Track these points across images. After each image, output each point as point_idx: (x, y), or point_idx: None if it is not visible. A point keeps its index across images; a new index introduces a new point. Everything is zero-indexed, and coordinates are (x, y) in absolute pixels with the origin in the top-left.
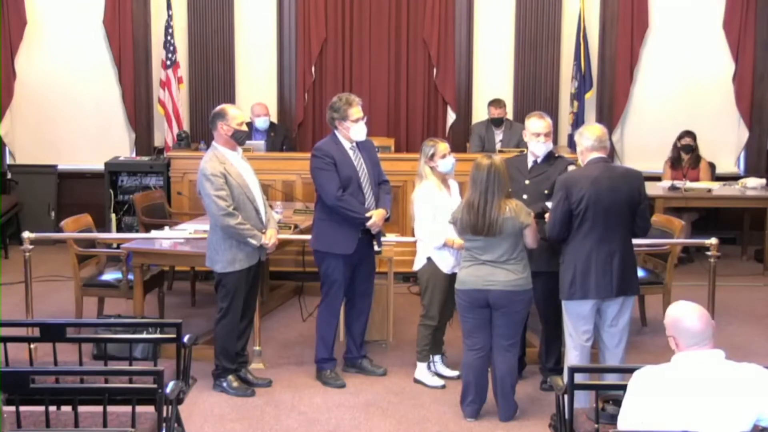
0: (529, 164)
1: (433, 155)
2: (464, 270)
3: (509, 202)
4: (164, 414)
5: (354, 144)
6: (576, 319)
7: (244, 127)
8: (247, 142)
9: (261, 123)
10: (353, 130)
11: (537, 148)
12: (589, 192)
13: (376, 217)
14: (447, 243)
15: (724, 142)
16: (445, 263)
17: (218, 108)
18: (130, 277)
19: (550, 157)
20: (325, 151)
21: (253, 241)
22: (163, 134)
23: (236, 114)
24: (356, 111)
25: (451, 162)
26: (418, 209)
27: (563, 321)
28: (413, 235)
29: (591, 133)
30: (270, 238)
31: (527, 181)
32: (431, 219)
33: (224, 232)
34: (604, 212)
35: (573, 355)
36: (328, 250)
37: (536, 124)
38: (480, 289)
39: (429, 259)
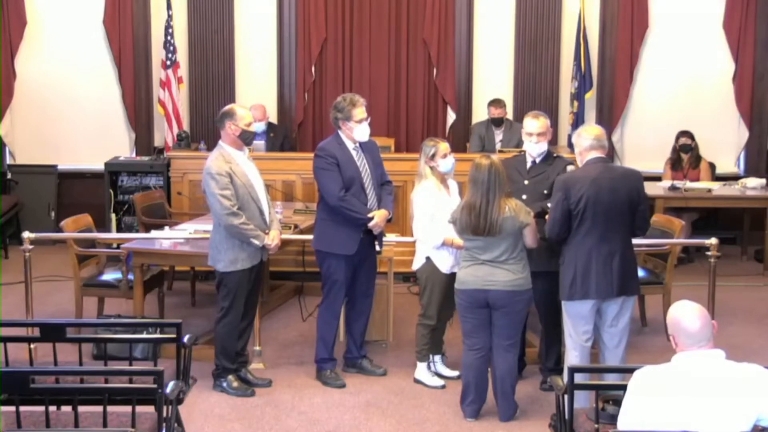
0: (528, 164)
1: (433, 155)
2: (464, 270)
3: (509, 201)
4: (164, 414)
5: (357, 144)
6: (576, 320)
7: (253, 128)
8: None
9: (257, 128)
10: (357, 130)
11: (531, 149)
12: (588, 192)
13: (377, 217)
14: (446, 242)
15: (724, 142)
16: (444, 263)
17: (227, 107)
18: (130, 277)
19: (549, 157)
20: (328, 151)
21: (256, 242)
22: (163, 134)
23: (245, 114)
24: (360, 111)
25: (452, 162)
26: (418, 209)
27: (563, 321)
28: (413, 235)
29: (588, 133)
30: (273, 239)
31: (526, 182)
32: (430, 218)
33: (227, 232)
34: (604, 212)
35: (573, 355)
36: (330, 251)
37: (529, 124)
38: (479, 289)
39: (428, 258)
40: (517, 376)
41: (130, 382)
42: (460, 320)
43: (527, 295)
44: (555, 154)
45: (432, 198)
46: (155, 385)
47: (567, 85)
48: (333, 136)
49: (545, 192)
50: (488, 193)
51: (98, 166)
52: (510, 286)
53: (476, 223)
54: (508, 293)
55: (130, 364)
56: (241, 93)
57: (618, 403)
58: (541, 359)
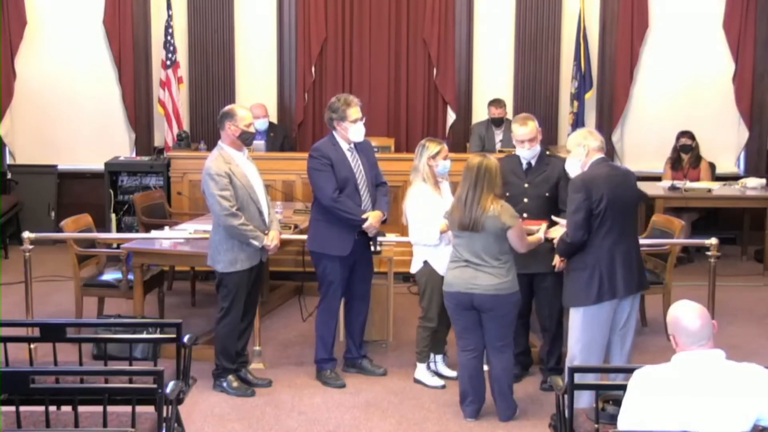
0: (524, 166)
1: (436, 154)
2: (450, 272)
3: (496, 201)
4: (164, 414)
5: (352, 145)
6: (595, 327)
7: (252, 129)
8: None
9: (260, 125)
10: (351, 130)
11: (524, 153)
12: (606, 191)
13: (371, 219)
14: (442, 230)
15: (724, 142)
16: (442, 265)
17: (227, 108)
18: (130, 277)
19: (543, 157)
20: (322, 152)
21: (255, 243)
22: (163, 134)
23: (245, 115)
24: (355, 111)
25: (449, 165)
26: (411, 212)
27: (573, 330)
28: (410, 239)
29: (594, 136)
30: (272, 239)
31: (526, 185)
32: (423, 220)
33: (226, 232)
34: (621, 210)
35: (580, 359)
36: (324, 251)
37: (518, 132)
38: (464, 291)
39: (425, 262)
40: (520, 375)
41: (130, 382)
42: (452, 321)
43: (513, 299)
44: (548, 153)
45: (425, 200)
46: (155, 385)
47: (567, 85)
48: (328, 136)
49: (547, 195)
50: (474, 187)
51: (98, 166)
52: (493, 290)
53: (461, 217)
54: (492, 297)
55: (130, 364)
56: (241, 93)
57: (618, 403)
58: (543, 359)
